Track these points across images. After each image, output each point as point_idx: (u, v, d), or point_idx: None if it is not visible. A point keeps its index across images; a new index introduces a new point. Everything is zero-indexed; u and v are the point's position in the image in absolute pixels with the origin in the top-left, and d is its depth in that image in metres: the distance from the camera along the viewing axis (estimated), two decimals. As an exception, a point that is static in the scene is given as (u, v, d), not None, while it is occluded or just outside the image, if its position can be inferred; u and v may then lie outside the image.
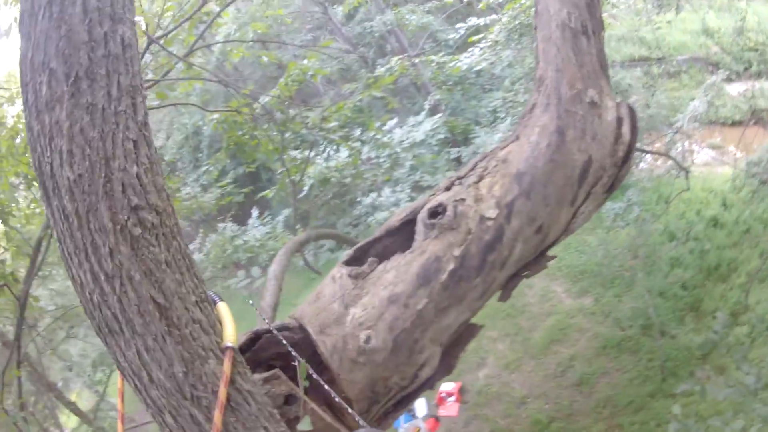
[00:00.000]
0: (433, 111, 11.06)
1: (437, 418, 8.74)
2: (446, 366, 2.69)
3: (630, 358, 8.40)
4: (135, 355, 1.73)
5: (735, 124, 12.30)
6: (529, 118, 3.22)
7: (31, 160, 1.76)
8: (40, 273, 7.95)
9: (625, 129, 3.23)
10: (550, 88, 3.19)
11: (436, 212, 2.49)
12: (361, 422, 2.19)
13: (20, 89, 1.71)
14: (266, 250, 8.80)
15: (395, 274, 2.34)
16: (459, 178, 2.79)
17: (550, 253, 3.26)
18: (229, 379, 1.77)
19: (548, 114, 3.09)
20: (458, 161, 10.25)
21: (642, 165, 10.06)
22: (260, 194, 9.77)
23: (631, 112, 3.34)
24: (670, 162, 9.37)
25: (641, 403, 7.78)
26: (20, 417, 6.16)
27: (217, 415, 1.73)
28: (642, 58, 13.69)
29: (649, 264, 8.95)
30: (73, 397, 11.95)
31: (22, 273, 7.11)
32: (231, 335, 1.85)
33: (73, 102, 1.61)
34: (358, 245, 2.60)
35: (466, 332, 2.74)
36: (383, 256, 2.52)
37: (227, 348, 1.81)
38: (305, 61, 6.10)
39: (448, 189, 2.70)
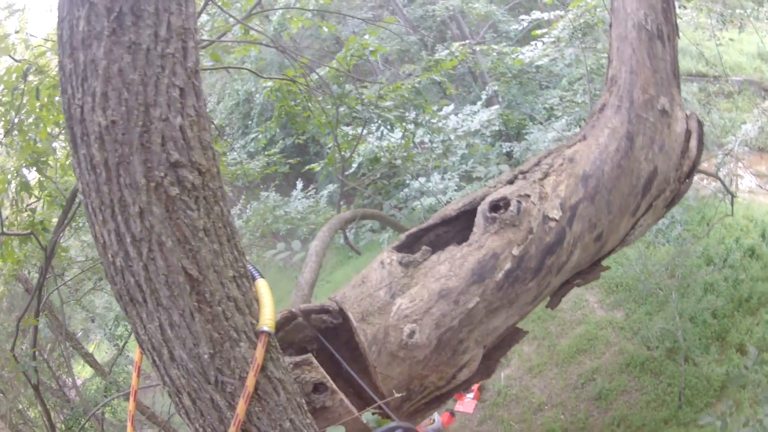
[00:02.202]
0: (488, 102, 10.90)
1: (452, 413, 8.69)
2: (486, 369, 2.53)
3: (651, 380, 8.28)
4: (157, 329, 1.55)
5: (783, 153, 11.96)
6: (598, 119, 3.06)
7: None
8: (73, 224, 8.01)
9: (693, 143, 3.08)
10: (622, 89, 3.03)
11: (497, 206, 2.32)
12: (393, 417, 2.06)
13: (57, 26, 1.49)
14: (307, 223, 8.73)
15: (449, 266, 2.18)
16: (522, 173, 2.62)
17: (604, 263, 3.11)
18: (260, 367, 1.59)
19: (619, 117, 2.94)
20: (509, 156, 10.10)
21: (689, 183, 9.77)
22: (307, 167, 9.69)
23: (700, 126, 3.20)
24: (716, 184, 9.11)
25: (654, 427, 7.72)
26: (31, 367, 6.15)
27: (241, 405, 1.55)
28: (699, 74, 13.28)
29: (684, 286, 8.77)
30: (91, 348, 12.14)
31: (53, 223, 7.12)
32: (269, 318, 1.64)
33: (113, 39, 1.40)
34: (411, 231, 2.44)
35: (511, 336, 2.59)
36: (435, 245, 2.37)
37: (262, 332, 1.62)
38: (366, 37, 5.93)
39: (510, 183, 2.53)
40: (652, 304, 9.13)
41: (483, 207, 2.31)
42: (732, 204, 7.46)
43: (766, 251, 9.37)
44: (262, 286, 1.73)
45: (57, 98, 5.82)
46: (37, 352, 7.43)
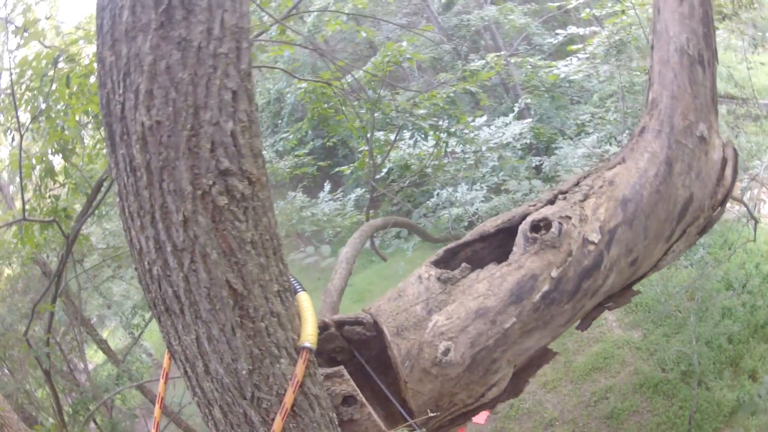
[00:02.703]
0: (519, 114, 10.88)
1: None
2: (513, 389, 2.51)
3: (663, 402, 8.21)
4: (193, 342, 1.47)
5: (808, 181, 11.74)
6: (638, 142, 3.04)
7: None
8: (96, 212, 8.08)
9: (728, 172, 3.02)
10: (663, 114, 3.01)
11: (538, 226, 2.29)
12: None
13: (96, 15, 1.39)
14: (333, 225, 8.72)
15: (487, 285, 2.15)
16: (562, 193, 2.59)
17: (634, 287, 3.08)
18: (300, 384, 1.54)
19: (659, 142, 2.91)
20: (538, 170, 10.05)
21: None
22: (336, 169, 9.64)
23: (735, 155, 3.18)
24: (740, 207, 9.00)
25: (663, 450, 7.62)
26: (43, 352, 6.16)
27: (278, 422, 1.51)
28: (728, 96, 13.07)
29: (702, 309, 8.68)
30: (105, 334, 12.24)
31: (76, 210, 7.15)
32: (310, 335, 1.60)
33: (161, 33, 1.29)
34: (449, 247, 2.42)
35: (540, 357, 2.55)
36: (471, 261, 2.35)
37: (304, 348, 1.57)
38: (403, 44, 5.92)
39: (551, 203, 2.50)
40: (670, 326, 9.08)
41: (524, 227, 2.28)
42: (755, 229, 7.36)
43: (785, 279, 9.30)
44: (305, 300, 1.68)
45: (88, 88, 5.86)
46: (50, 337, 7.45)
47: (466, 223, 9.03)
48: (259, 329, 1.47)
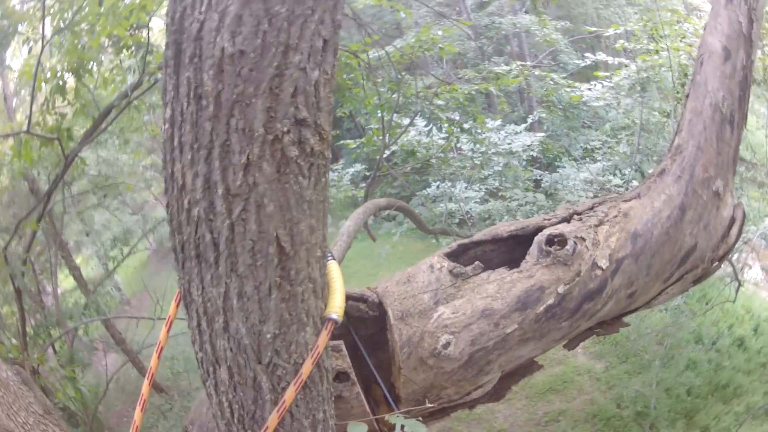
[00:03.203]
0: (531, 126, 10.96)
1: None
2: (496, 394, 2.56)
3: (612, 438, 8.31)
4: (220, 295, 1.36)
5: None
6: (656, 182, 3.12)
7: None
8: (96, 138, 7.97)
9: (734, 231, 3.09)
10: (686, 162, 3.09)
11: (552, 241, 2.32)
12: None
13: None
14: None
15: (497, 288, 2.18)
16: (578, 214, 2.63)
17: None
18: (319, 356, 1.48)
19: (677, 186, 2.99)
20: (537, 183, 10.14)
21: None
22: (341, 141, 9.52)
23: (743, 217, 3.27)
24: (727, 267, 9.16)
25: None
26: (20, 271, 6.07)
27: (291, 392, 1.44)
28: (739, 157, 13.24)
29: (669, 356, 8.83)
30: (79, 261, 12.11)
31: (77, 131, 7.02)
32: (338, 306, 1.52)
33: None
34: (462, 242, 2.45)
35: (527, 367, 2.61)
36: (479, 261, 2.37)
37: (330, 320, 1.50)
38: (438, 32, 5.90)
39: (567, 221, 2.54)
40: (633, 365, 9.22)
41: (540, 238, 2.31)
42: (737, 291, 7.50)
43: (754, 346, 9.47)
44: (335, 269, 1.59)
45: (120, 11, 5.72)
46: (28, 257, 7.34)
47: (457, 220, 9.08)
48: (295, 293, 1.40)
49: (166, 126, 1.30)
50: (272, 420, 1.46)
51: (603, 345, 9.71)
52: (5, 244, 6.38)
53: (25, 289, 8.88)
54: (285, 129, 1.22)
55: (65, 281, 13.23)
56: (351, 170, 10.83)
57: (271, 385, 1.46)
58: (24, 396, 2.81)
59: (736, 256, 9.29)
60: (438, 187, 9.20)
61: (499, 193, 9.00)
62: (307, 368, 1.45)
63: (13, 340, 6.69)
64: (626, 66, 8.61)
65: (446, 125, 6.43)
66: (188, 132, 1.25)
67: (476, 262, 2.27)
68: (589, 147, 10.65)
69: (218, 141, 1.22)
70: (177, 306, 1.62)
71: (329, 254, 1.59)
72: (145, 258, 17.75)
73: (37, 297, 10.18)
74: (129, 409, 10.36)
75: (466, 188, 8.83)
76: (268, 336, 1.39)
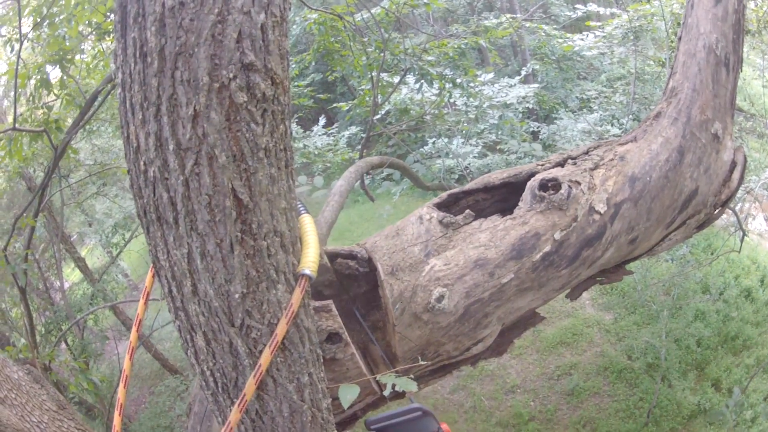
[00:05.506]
0: (525, 79, 10.77)
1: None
2: (498, 348, 2.51)
3: (625, 389, 8.35)
4: (184, 257, 1.31)
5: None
6: (652, 125, 3.06)
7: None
8: (87, 126, 7.88)
9: (736, 175, 3.07)
10: (682, 104, 3.05)
11: (546, 186, 2.24)
12: (412, 399, 1.97)
13: None
14: (323, 160, 8.58)
15: (489, 236, 2.11)
16: (572, 158, 2.56)
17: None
18: (295, 314, 1.41)
19: (674, 129, 2.94)
20: (535, 135, 10.02)
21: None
22: (333, 105, 9.38)
23: (744, 160, 3.26)
24: (730, 217, 9.11)
25: (619, 437, 7.78)
26: (21, 269, 6.05)
27: (266, 355, 1.38)
28: (738, 109, 13.12)
29: (676, 307, 8.78)
30: (83, 252, 12.12)
31: (68, 123, 6.97)
32: (312, 261, 1.44)
33: None
34: (452, 191, 2.37)
35: (528, 319, 2.56)
36: (471, 210, 2.30)
37: (303, 275, 1.42)
38: (421, -12, 5.76)
39: (560, 165, 2.46)
40: (641, 316, 9.17)
41: (533, 183, 2.24)
42: (741, 241, 7.44)
43: (762, 297, 9.36)
44: (308, 222, 1.52)
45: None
46: (29, 253, 7.32)
47: (456, 176, 8.99)
48: (259, 248, 1.33)
49: (120, 91, 1.26)
50: (249, 386, 1.40)
51: (610, 296, 9.65)
52: (5, 245, 6.37)
53: (31, 288, 8.91)
54: (231, 75, 1.17)
55: (72, 274, 13.28)
56: (347, 133, 10.71)
57: (247, 349, 1.40)
58: (37, 395, 2.81)
59: (738, 206, 9.22)
60: (434, 143, 9.06)
61: (498, 146, 8.89)
62: (282, 328, 1.38)
63: (23, 340, 6.72)
64: (618, 16, 8.43)
65: (436, 81, 6.30)
66: (137, 92, 1.21)
67: (467, 211, 2.19)
68: (585, 97, 10.49)
69: (165, 95, 1.18)
70: (153, 277, 1.54)
71: (301, 207, 1.53)
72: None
73: (44, 294, 10.24)
74: (146, 395, 10.50)
75: (463, 143, 8.68)
76: (237, 296, 1.33)
